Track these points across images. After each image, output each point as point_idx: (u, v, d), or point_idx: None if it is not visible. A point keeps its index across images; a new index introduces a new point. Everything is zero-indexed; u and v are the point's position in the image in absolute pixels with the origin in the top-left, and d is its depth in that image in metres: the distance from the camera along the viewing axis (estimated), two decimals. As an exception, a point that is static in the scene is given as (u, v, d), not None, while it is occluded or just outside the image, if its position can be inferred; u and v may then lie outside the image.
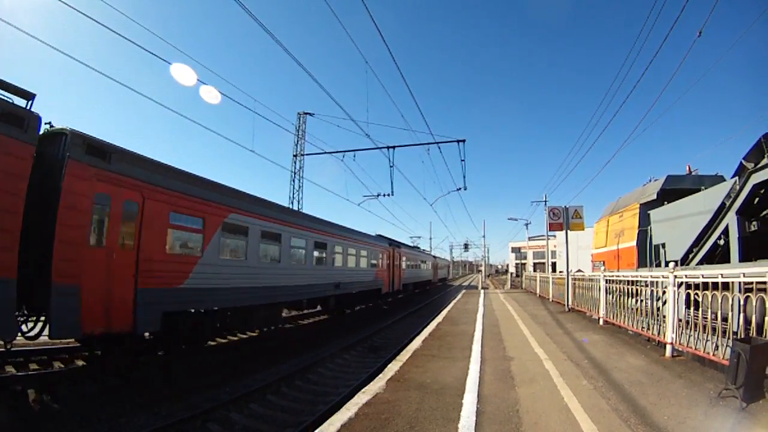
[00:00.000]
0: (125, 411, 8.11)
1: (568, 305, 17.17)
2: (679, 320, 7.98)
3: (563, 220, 18.38)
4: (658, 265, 13.53)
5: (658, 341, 8.85)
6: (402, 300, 36.14)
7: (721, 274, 6.82)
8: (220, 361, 12.27)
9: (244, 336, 15.54)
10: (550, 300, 22.63)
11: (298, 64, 13.29)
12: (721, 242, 10.52)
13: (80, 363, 10.37)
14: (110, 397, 8.59)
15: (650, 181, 17.69)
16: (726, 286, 6.71)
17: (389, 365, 8.23)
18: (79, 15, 9.06)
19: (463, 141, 22.61)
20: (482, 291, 36.11)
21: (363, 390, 6.51)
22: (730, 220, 10.07)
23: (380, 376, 7.36)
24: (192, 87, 13.06)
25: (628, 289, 10.95)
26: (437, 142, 23.22)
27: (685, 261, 11.57)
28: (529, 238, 60.36)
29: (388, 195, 27.47)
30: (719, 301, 6.67)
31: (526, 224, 48.81)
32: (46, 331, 7.69)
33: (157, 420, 7.76)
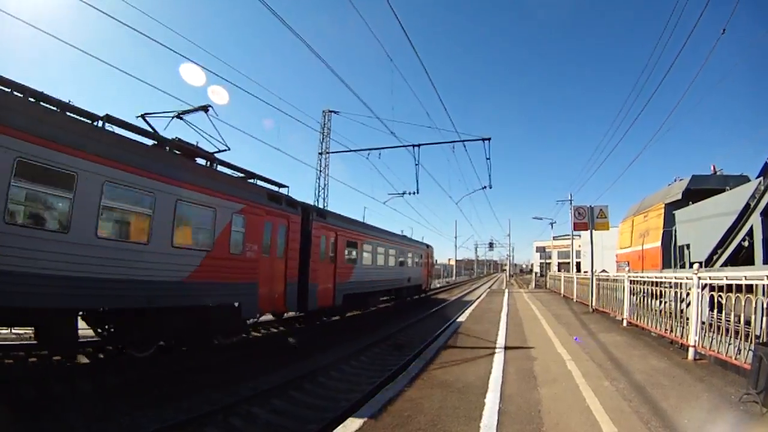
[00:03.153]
0: (146, 404, 8.13)
1: (592, 306, 17.11)
2: (702, 323, 7.98)
3: (588, 219, 18.29)
4: (683, 266, 13.39)
5: (681, 344, 8.85)
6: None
7: (745, 276, 6.81)
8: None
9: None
10: (574, 300, 22.54)
11: (324, 63, 13.59)
12: (746, 244, 10.40)
13: (101, 356, 10.52)
14: (132, 390, 8.66)
15: (675, 180, 17.47)
16: (750, 289, 6.70)
17: (414, 363, 8.39)
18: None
19: (489, 139, 22.38)
20: (506, 290, 36.01)
21: (386, 387, 6.66)
22: (755, 221, 9.96)
23: (404, 373, 7.51)
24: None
25: (652, 290, 10.90)
26: (462, 140, 23.00)
27: (709, 262, 11.47)
28: (554, 238, 59.70)
29: (414, 193, 26.89)
30: (743, 303, 6.67)
31: (551, 223, 48.19)
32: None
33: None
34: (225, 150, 12.60)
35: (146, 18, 10.49)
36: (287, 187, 14.85)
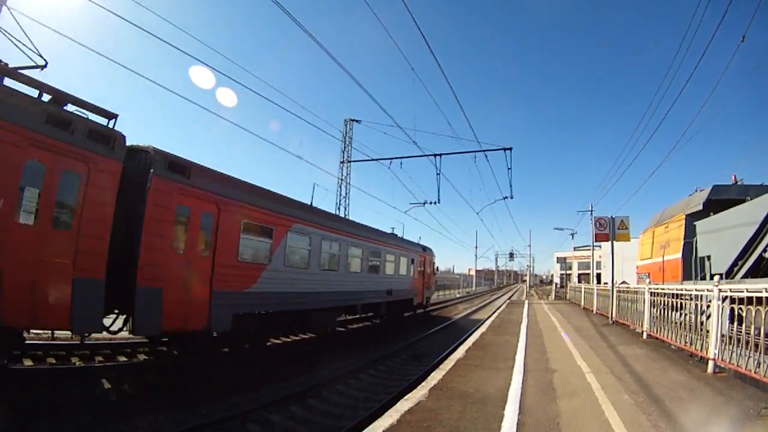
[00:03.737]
0: (165, 407, 8.35)
1: (612, 318, 16.99)
2: (722, 335, 7.96)
3: (609, 230, 18.21)
4: (704, 278, 13.32)
5: (701, 357, 8.81)
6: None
7: (765, 288, 6.78)
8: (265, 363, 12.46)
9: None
10: (594, 312, 22.35)
11: (347, 73, 13.95)
12: (767, 255, 10.37)
13: (122, 359, 10.82)
14: (150, 394, 8.91)
15: (696, 191, 17.40)
16: (770, 301, 6.70)
17: (432, 374, 8.39)
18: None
19: (510, 149, 22.45)
20: (526, 301, 35.79)
21: (405, 397, 6.69)
22: (776, 232, 9.95)
23: (423, 384, 7.54)
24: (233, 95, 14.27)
25: (672, 302, 10.86)
26: (484, 150, 23.10)
27: (729, 274, 11.42)
28: (575, 248, 59.29)
29: (435, 203, 27.25)
30: (763, 316, 6.68)
31: (572, 234, 47.96)
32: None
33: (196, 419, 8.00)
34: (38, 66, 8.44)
35: (178, 31, 10.74)
36: (116, 116, 8.76)
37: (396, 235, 25.61)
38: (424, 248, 28.22)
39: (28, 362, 9.43)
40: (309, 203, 16.55)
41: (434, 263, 30.60)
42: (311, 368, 11.99)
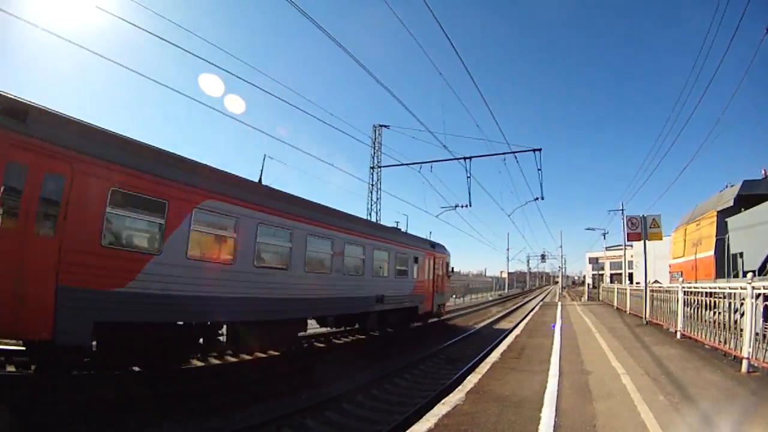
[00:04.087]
0: (195, 413, 8.44)
1: (645, 318, 16.91)
2: (756, 334, 7.98)
3: (641, 229, 18.12)
4: (736, 275, 13.25)
5: (735, 356, 8.83)
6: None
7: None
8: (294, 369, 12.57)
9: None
10: (627, 312, 22.16)
11: (376, 80, 14.36)
12: (800, 251, 10.33)
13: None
14: (179, 400, 9.02)
15: (726, 187, 17.26)
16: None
17: (468, 377, 8.46)
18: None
19: (539, 150, 22.59)
20: (559, 303, 35.58)
21: (442, 401, 6.77)
22: (807, 227, 9.91)
23: (459, 387, 7.61)
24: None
25: (705, 301, 10.85)
26: (513, 152, 23.29)
27: (763, 270, 11.38)
28: (606, 248, 58.56)
29: (466, 206, 27.37)
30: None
31: (604, 234, 47.51)
32: None
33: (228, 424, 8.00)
34: None
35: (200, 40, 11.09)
36: None
37: (397, 229, 22.78)
38: (433, 245, 23.60)
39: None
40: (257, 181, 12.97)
41: (448, 263, 25.48)
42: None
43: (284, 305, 12.19)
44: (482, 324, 26.28)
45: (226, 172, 11.04)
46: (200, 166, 10.29)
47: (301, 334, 14.62)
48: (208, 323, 10.71)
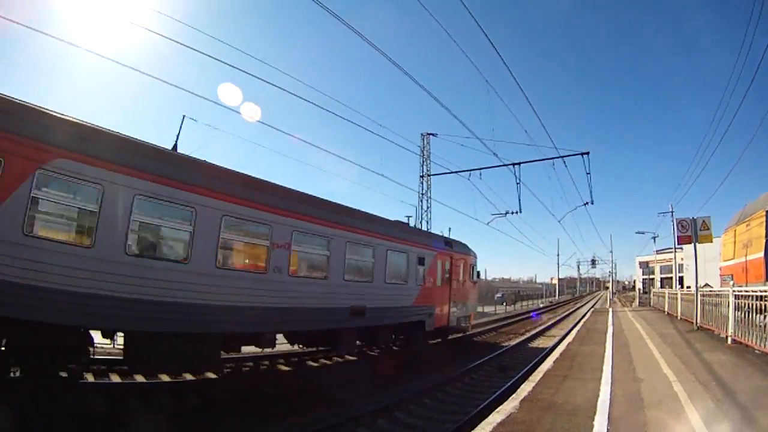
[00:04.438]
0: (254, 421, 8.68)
1: (696, 323, 16.77)
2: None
3: (691, 232, 17.99)
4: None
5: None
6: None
7: None
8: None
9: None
10: (678, 318, 21.82)
11: (423, 89, 14.81)
12: None
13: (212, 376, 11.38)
14: (239, 407, 9.35)
15: (774, 186, 17.01)
16: None
17: (522, 386, 8.67)
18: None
19: (587, 153, 22.33)
20: (610, 309, 35.11)
21: (497, 410, 6.88)
22: None
23: (513, 396, 7.82)
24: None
25: (756, 305, 10.83)
26: (561, 156, 22.80)
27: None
28: (657, 252, 57.27)
29: (516, 212, 26.88)
30: None
31: (654, 237, 46.59)
32: None
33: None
34: None
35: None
36: None
37: (397, 222, 17.74)
38: (449, 242, 19.38)
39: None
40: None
41: (473, 266, 21.15)
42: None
43: (178, 316, 8.68)
44: (533, 332, 26.17)
45: (90, 125, 8.37)
46: (51, 116, 7.70)
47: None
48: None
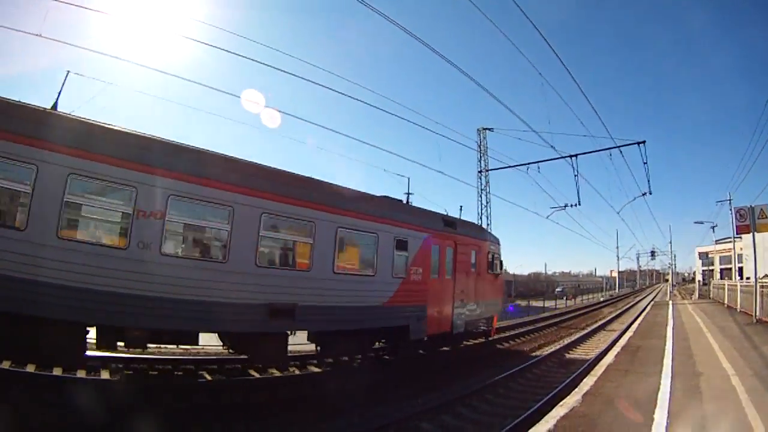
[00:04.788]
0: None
1: (756, 316, 16.61)
2: None
3: (750, 221, 17.84)
4: None
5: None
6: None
7: None
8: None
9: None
10: (738, 310, 21.49)
11: (479, 86, 15.21)
12: None
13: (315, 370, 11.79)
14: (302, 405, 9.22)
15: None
16: None
17: (584, 380, 8.88)
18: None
19: (643, 142, 21.49)
20: (670, 302, 34.69)
21: (561, 403, 7.05)
22: None
23: (576, 390, 8.03)
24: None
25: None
26: (618, 146, 22.34)
27: None
28: (716, 242, 55.50)
29: (575, 205, 26.13)
30: None
31: (713, 227, 45.30)
32: None
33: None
34: None
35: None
36: None
37: (376, 196, 13.34)
38: (450, 222, 14.89)
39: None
40: None
41: (493, 255, 16.91)
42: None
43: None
44: (595, 326, 25.70)
45: None
46: None
47: None
48: None
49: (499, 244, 17.82)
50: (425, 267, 13.12)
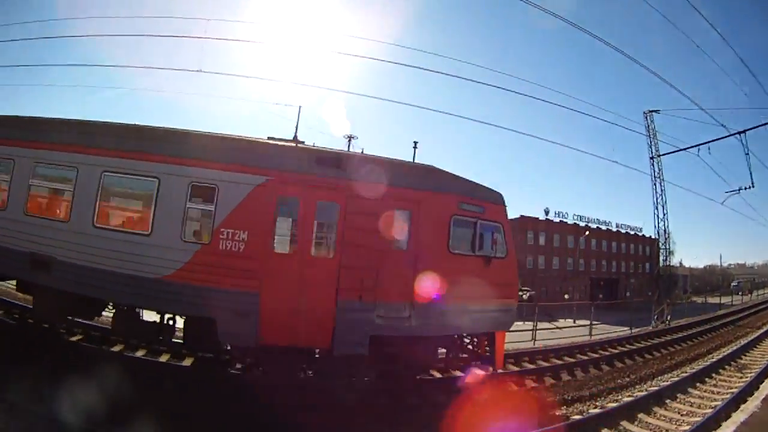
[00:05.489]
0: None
1: None
2: None
3: None
4: None
5: None
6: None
7: None
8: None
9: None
10: None
11: (648, 69, 13.75)
12: None
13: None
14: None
15: None
16: None
17: (762, 384, 8.19)
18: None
19: None
20: None
21: (740, 408, 6.72)
22: None
23: (755, 395, 7.44)
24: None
25: None
26: None
27: None
28: None
29: (748, 188, 24.17)
30: None
31: None
32: None
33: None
34: None
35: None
36: None
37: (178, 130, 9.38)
38: (336, 162, 9.19)
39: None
40: None
41: (477, 222, 9.58)
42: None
43: None
44: None
45: None
46: None
47: None
48: None
49: (497, 204, 10.32)
50: (258, 232, 8.46)
